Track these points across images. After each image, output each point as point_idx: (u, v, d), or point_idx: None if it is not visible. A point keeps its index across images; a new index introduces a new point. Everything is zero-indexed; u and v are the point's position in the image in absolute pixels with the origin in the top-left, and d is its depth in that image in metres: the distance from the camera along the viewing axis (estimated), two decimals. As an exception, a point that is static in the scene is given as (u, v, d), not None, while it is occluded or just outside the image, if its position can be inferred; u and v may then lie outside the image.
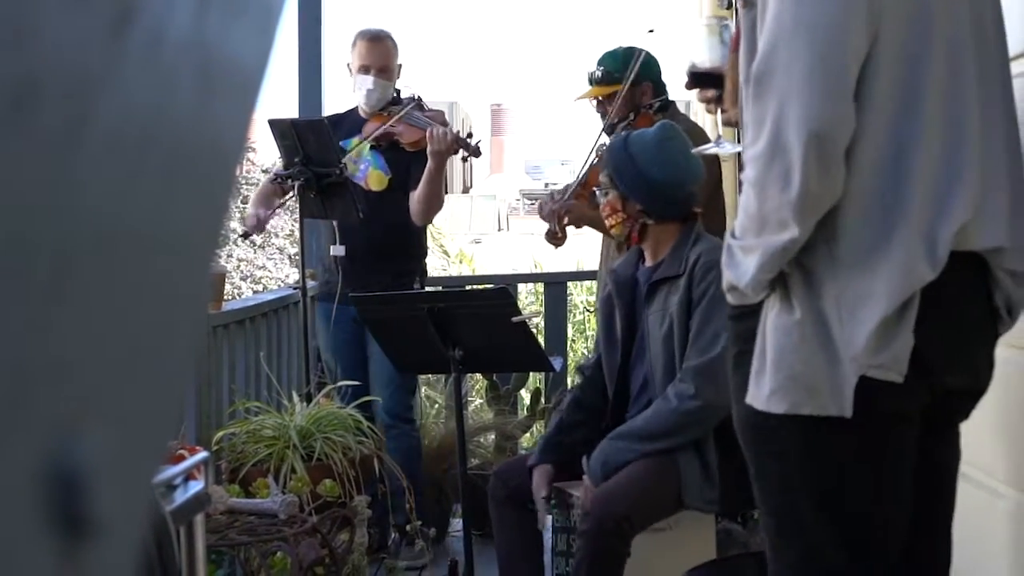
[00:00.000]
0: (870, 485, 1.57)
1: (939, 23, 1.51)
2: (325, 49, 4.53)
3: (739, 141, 1.76)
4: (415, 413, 3.95)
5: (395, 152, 3.74)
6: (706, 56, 1.91)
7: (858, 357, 1.46)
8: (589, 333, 7.47)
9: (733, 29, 1.78)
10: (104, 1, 0.28)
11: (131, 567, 0.32)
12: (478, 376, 4.99)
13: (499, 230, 30.34)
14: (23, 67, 0.26)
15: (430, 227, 4.07)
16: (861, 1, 1.46)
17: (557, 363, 4.06)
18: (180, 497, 1.92)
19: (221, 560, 2.78)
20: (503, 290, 2.95)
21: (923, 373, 1.50)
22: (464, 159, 3.67)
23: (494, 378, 4.50)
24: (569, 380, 4.86)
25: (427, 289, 3.96)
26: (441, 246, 12.60)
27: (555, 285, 5.15)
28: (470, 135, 3.64)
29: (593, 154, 3.55)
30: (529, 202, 31.36)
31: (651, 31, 3.60)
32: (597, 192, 2.88)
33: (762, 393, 1.54)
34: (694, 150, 2.54)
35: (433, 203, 3.72)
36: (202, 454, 2.07)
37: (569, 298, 6.40)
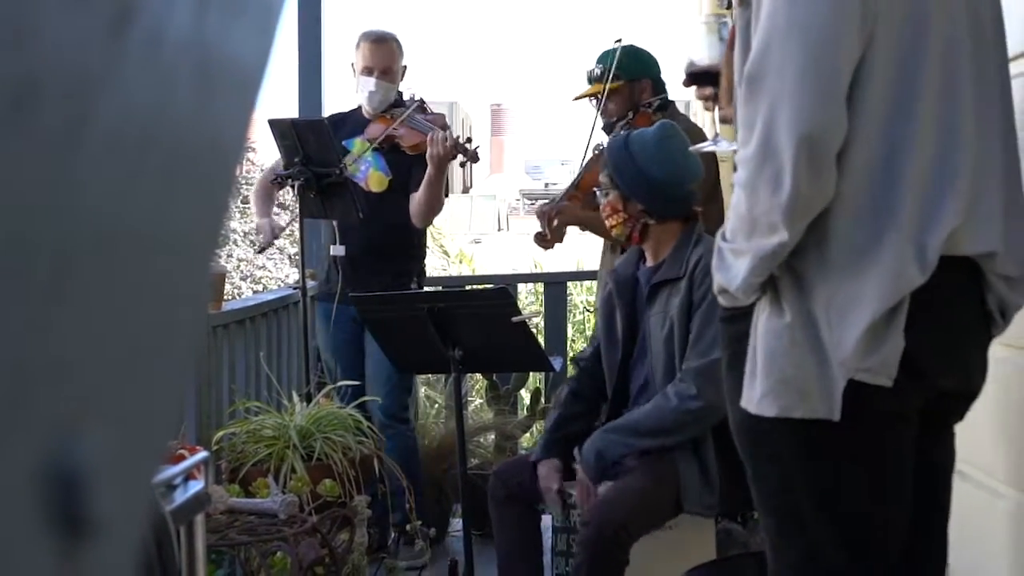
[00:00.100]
0: (868, 485, 1.56)
1: (935, 22, 1.50)
2: (325, 49, 4.53)
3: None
4: (411, 413, 3.95)
5: (396, 154, 3.74)
6: (705, 53, 1.91)
7: (847, 361, 1.45)
8: (589, 333, 7.47)
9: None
10: (104, 1, 0.28)
11: (131, 567, 0.32)
12: (478, 376, 4.99)
13: (499, 230, 30.35)
14: (23, 67, 0.26)
15: (430, 227, 4.07)
16: (855, 2, 1.45)
17: (557, 363, 4.06)
18: (180, 497, 1.92)
19: (221, 560, 2.78)
20: (503, 290, 2.95)
21: (915, 376, 1.49)
22: (463, 164, 3.68)
23: (494, 378, 4.50)
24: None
25: (427, 289, 3.96)
26: (441, 246, 12.60)
27: (555, 285, 5.15)
28: (469, 140, 3.64)
29: (589, 153, 3.55)
30: (529, 202, 31.37)
31: (618, 41, 3.59)
32: (597, 192, 2.88)
33: (754, 396, 1.54)
34: (691, 148, 2.55)
35: (433, 207, 3.72)
36: (202, 454, 2.08)
37: (569, 298, 6.41)
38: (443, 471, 3.97)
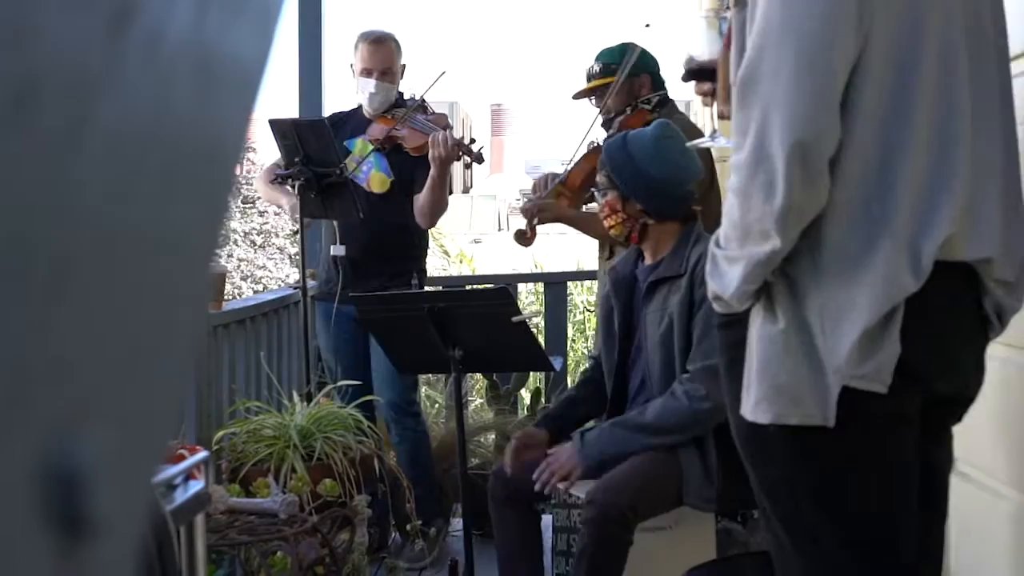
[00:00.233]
0: (871, 489, 1.55)
1: (931, 23, 1.47)
2: (325, 49, 4.53)
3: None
4: (419, 407, 3.95)
5: (398, 155, 3.74)
6: (704, 49, 1.91)
7: (841, 368, 1.44)
8: (589, 333, 7.47)
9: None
10: (104, 1, 0.28)
11: (131, 567, 0.32)
12: (478, 376, 5.00)
13: (499, 230, 30.36)
14: (23, 67, 0.26)
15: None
16: (851, 6, 1.43)
17: (557, 363, 4.06)
18: (180, 497, 1.92)
19: (221, 560, 2.78)
20: (503, 290, 2.95)
21: (911, 381, 1.48)
22: (467, 165, 3.67)
23: (494, 378, 4.50)
24: (569, 380, 4.86)
25: (427, 289, 3.96)
26: (441, 246, 12.60)
27: (555, 285, 5.15)
28: (472, 140, 3.62)
29: (583, 148, 3.54)
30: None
31: (647, 25, 3.60)
32: (596, 193, 2.88)
33: (749, 403, 1.53)
34: (688, 143, 2.55)
35: (438, 208, 3.71)
36: (202, 454, 2.07)
37: (569, 298, 6.41)
38: (443, 471, 3.97)
